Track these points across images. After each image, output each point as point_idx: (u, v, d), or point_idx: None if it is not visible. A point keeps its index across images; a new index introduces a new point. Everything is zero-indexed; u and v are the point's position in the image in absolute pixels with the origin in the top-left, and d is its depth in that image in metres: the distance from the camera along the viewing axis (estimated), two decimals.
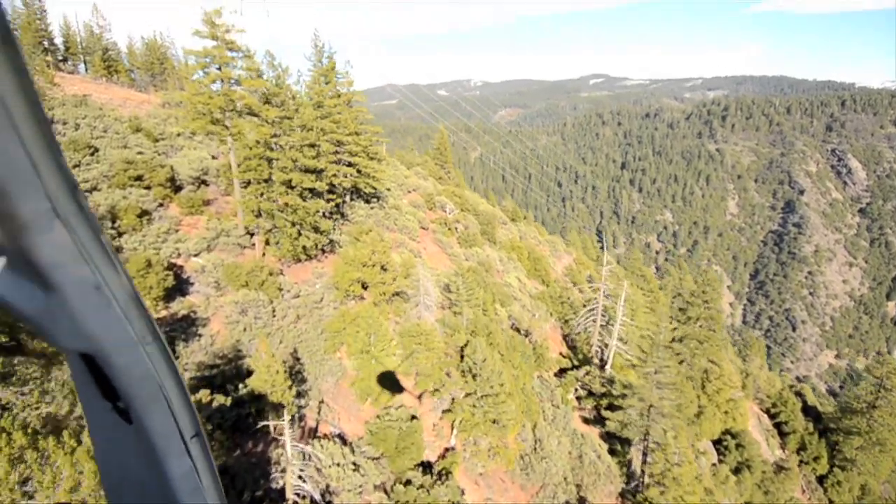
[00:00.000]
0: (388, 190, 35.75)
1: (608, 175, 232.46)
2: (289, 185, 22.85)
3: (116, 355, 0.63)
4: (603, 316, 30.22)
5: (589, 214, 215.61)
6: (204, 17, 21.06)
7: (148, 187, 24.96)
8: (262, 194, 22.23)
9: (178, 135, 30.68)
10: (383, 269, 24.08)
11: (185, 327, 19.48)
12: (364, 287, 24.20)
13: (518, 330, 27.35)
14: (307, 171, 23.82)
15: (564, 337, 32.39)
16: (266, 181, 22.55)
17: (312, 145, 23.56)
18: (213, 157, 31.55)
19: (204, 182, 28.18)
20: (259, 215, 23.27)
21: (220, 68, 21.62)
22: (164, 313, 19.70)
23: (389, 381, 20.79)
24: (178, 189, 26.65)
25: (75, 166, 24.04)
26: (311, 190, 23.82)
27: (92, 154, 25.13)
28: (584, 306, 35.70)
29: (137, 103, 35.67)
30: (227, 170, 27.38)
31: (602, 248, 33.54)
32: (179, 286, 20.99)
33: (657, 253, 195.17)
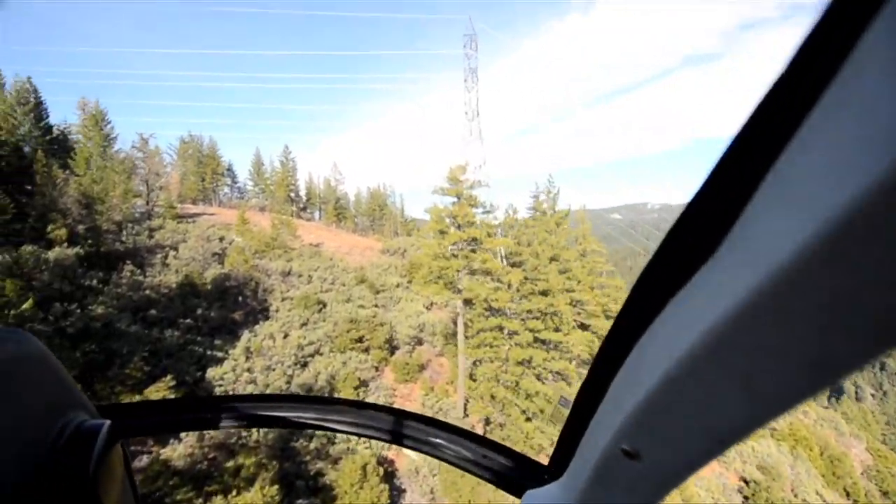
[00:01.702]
0: None
1: None
2: (527, 363, 18.08)
3: None
4: None
5: None
6: (449, 173, 19.22)
7: (367, 350, 22.74)
8: (495, 377, 17.70)
9: (397, 286, 29.44)
10: None
11: None
12: None
13: None
14: (546, 343, 18.96)
15: None
16: (501, 360, 18.14)
17: (555, 313, 18.83)
18: (427, 308, 29.28)
19: (419, 341, 25.39)
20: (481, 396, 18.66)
21: (460, 227, 19.08)
22: None
23: None
24: (394, 349, 24.12)
25: (303, 324, 23.10)
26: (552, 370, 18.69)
27: (320, 311, 24.28)
28: None
29: (362, 250, 36.70)
30: (446, 331, 24.24)
31: None
32: (390, 494, 16.63)
33: None
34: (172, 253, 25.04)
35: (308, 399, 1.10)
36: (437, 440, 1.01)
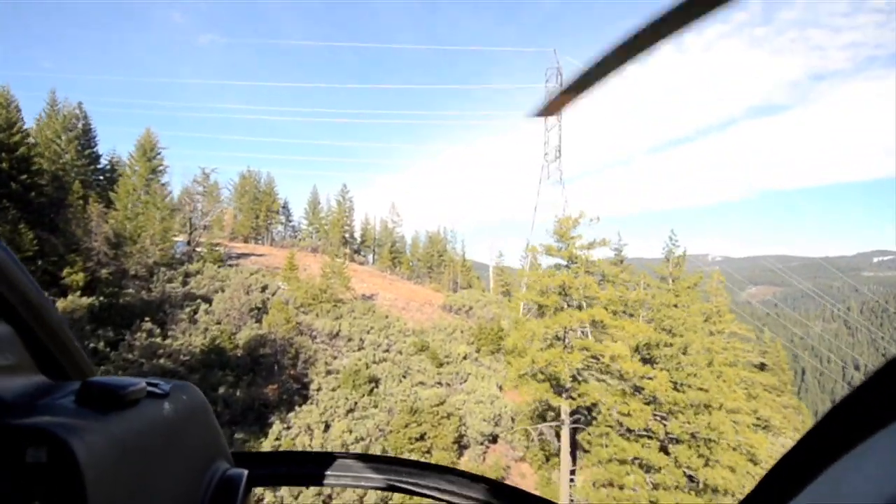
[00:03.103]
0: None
1: None
2: None
3: None
4: None
5: None
6: (556, 228, 14.11)
7: (429, 451, 17.32)
8: None
9: (464, 357, 24.09)
10: None
11: None
12: None
13: None
14: (696, 482, 12.87)
15: None
16: None
17: (710, 439, 12.73)
18: (500, 388, 23.64)
19: (494, 438, 19.70)
20: None
21: (566, 299, 13.71)
22: None
23: None
24: (463, 448, 18.58)
25: (350, 411, 18.07)
26: None
27: (371, 391, 19.23)
28: None
29: (420, 304, 31.84)
30: (527, 420, 18.52)
31: None
32: None
33: None
34: (204, 306, 21.02)
35: (429, 467, 1.09)
36: None
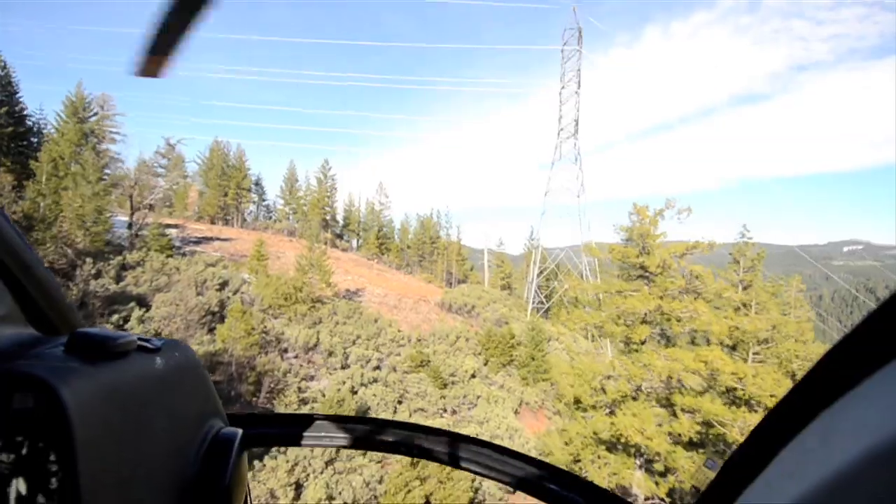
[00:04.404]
0: None
1: None
2: None
3: None
4: None
5: None
6: (632, 227, 9.61)
7: None
8: None
9: (473, 375, 19.71)
10: None
11: None
12: None
13: None
14: None
15: None
16: None
17: None
18: (515, 412, 19.46)
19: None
20: None
21: (654, 328, 9.33)
22: None
23: None
24: None
25: (329, 462, 13.53)
26: None
27: None
28: None
29: (414, 301, 27.30)
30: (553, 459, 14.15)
31: None
32: None
33: None
34: (139, 312, 16.11)
35: (423, 429, 1.07)
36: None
